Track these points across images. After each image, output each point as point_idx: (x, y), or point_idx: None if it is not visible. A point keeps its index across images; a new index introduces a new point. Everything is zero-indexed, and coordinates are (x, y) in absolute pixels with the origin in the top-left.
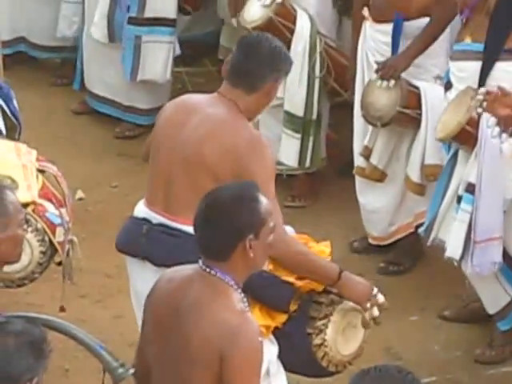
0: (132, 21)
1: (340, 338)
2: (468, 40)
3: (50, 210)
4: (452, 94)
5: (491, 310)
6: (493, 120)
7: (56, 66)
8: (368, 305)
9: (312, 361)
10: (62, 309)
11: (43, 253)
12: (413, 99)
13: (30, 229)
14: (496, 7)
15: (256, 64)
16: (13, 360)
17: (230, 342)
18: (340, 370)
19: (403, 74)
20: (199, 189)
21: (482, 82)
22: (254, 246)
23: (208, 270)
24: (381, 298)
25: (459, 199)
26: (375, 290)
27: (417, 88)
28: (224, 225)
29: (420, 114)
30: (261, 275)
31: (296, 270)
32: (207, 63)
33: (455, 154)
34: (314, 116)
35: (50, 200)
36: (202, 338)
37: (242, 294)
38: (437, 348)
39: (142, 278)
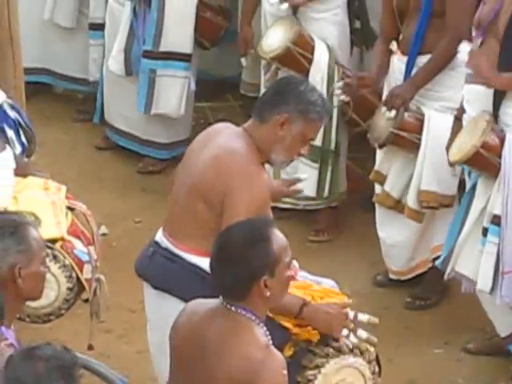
0: (147, 54)
1: None
2: None
3: (79, 247)
4: (465, 118)
5: (502, 333)
6: None
7: (78, 101)
8: (344, 332)
9: None
10: (90, 347)
11: (70, 289)
12: (414, 124)
13: (57, 265)
14: (506, 32)
15: (272, 94)
16: None
17: (255, 375)
18: None
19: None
20: (196, 215)
21: (495, 107)
22: (270, 284)
23: (229, 306)
24: (364, 318)
25: (485, 232)
26: (350, 314)
27: (422, 115)
28: (237, 268)
29: (420, 140)
30: None
31: None
32: (230, 98)
33: (473, 188)
34: (333, 146)
35: (78, 237)
36: (227, 373)
37: (264, 328)
38: (460, 381)
39: (147, 299)
